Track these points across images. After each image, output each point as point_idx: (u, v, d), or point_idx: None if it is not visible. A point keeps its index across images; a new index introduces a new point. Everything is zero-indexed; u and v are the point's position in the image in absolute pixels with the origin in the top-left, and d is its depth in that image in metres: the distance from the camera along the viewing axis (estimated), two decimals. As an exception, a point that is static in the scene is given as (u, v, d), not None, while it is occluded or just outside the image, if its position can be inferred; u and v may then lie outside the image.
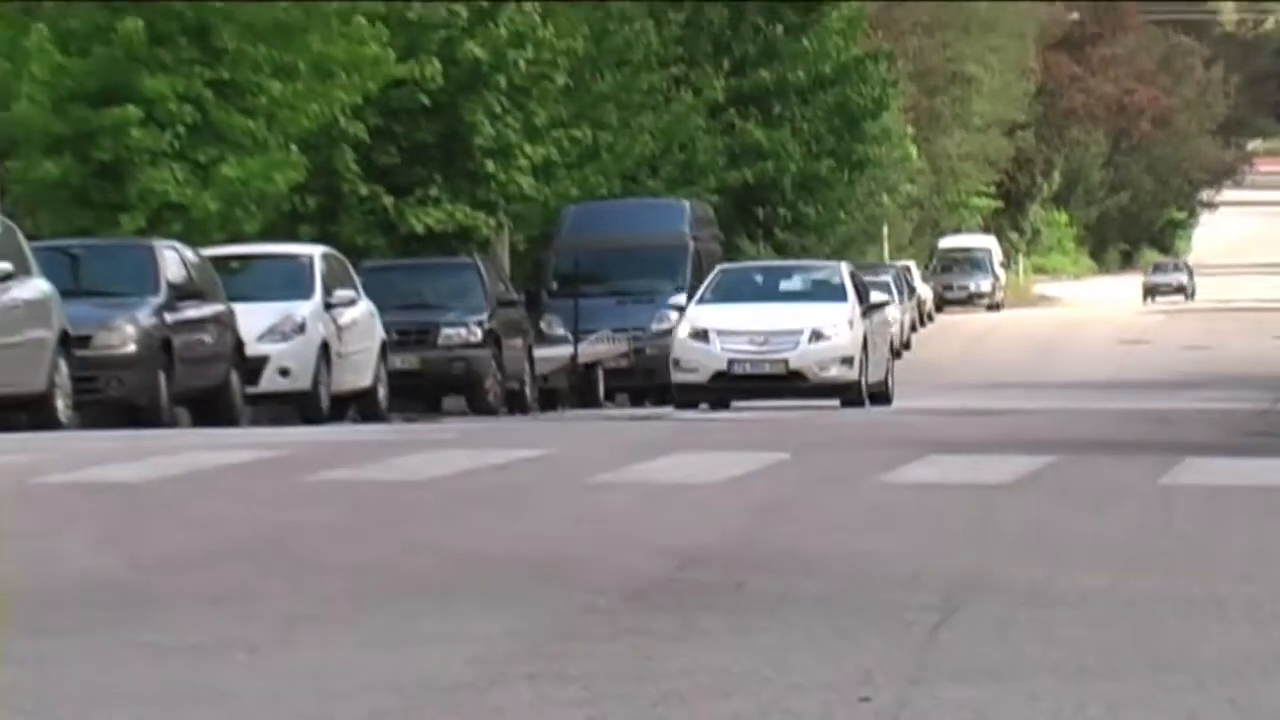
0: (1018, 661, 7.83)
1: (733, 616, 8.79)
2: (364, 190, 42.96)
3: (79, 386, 25.91)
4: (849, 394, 35.81)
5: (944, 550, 11.12)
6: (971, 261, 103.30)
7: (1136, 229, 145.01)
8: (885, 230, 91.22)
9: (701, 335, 35.95)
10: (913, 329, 77.19)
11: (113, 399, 27.36)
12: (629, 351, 42.24)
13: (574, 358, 41.08)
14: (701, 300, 37.70)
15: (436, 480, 14.64)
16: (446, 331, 36.51)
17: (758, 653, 7.98)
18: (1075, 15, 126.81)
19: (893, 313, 67.06)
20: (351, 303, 32.97)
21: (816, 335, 35.93)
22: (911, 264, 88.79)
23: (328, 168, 40.74)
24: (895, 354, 68.08)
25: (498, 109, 45.02)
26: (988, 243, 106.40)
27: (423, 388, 36.03)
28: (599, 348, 41.87)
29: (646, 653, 7.98)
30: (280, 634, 8.56)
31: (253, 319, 30.30)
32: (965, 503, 13.62)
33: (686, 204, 48.17)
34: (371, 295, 33.96)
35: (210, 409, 28.81)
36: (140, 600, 9.64)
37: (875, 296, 39.98)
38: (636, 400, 42.02)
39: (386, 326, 34.04)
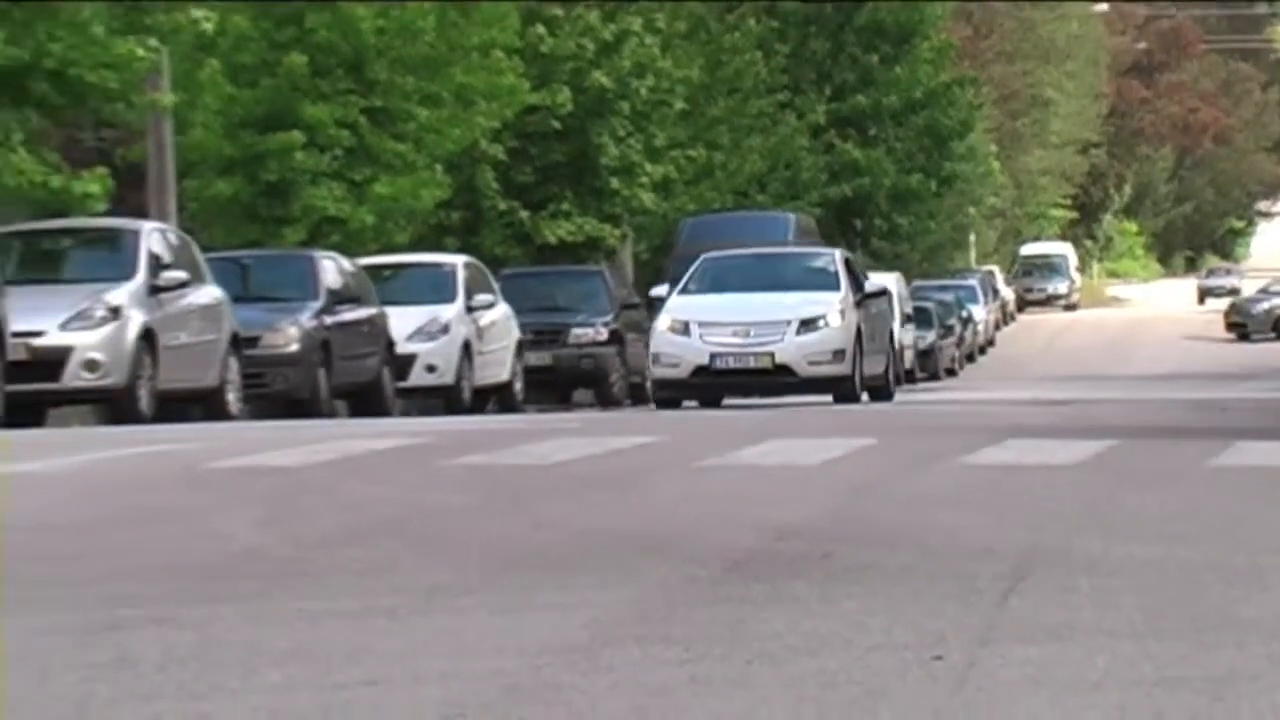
0: (1076, 624, 7.78)
1: (820, 585, 8.75)
2: (502, 206, 43.03)
3: (247, 382, 26.20)
4: (841, 389, 30.61)
5: (1015, 525, 11.05)
6: (1050, 266, 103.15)
7: (1200, 237, 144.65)
8: (971, 238, 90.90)
9: (682, 328, 30.49)
10: (996, 327, 76.89)
11: (277, 393, 27.58)
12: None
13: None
14: (685, 290, 31.93)
15: (562, 465, 14.64)
16: (576, 331, 36.54)
17: (842, 617, 7.95)
18: (1144, 44, 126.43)
19: (979, 312, 67.20)
20: (490, 306, 33.09)
21: (805, 326, 30.52)
22: (995, 269, 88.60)
23: (470, 186, 40.80)
24: (980, 349, 68.41)
25: (622, 132, 45.05)
26: (1064, 250, 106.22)
27: (554, 382, 36.06)
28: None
29: (742, 617, 7.95)
30: (420, 602, 8.57)
31: (403, 321, 30.49)
32: (1036, 482, 13.53)
33: (792, 216, 48.09)
34: (509, 300, 34.09)
35: (365, 402, 28.97)
36: (297, 572, 9.66)
37: (871, 284, 33.94)
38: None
39: (522, 327, 34.14)
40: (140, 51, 28.93)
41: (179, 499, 12.84)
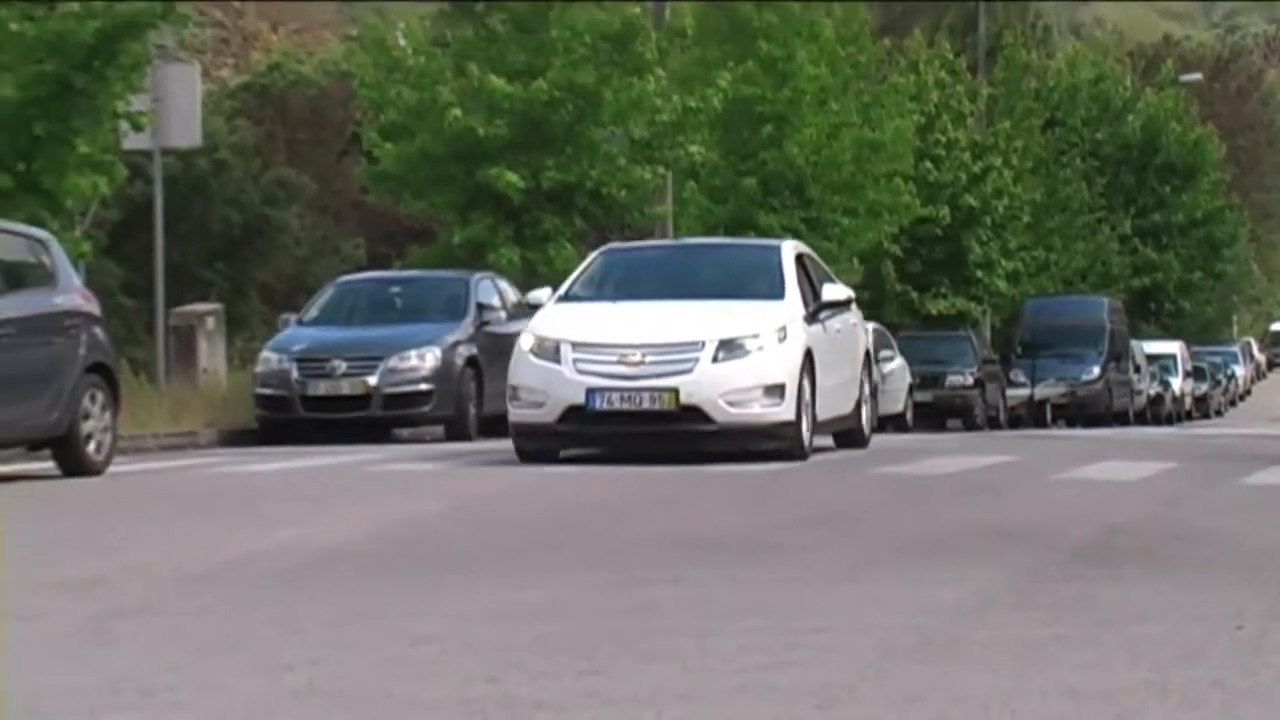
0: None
1: (1144, 570, 8.47)
2: (899, 287, 42.88)
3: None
4: (777, 442, 14.88)
5: (1285, 530, 10.72)
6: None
7: None
8: (1234, 318, 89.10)
9: (551, 351, 14.87)
10: (1252, 381, 75.55)
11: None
12: (1067, 393, 41.58)
13: (1031, 397, 40.55)
14: (567, 295, 16.09)
15: (948, 475, 14.39)
16: (950, 379, 36.34)
17: (1161, 595, 7.67)
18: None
19: (1239, 370, 66.21)
20: (891, 359, 32.95)
21: (727, 350, 14.74)
22: (1251, 340, 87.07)
23: (877, 273, 40.62)
24: (1240, 397, 67.46)
25: (984, 238, 44.86)
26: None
27: (934, 414, 35.70)
28: (1048, 390, 41.28)
29: (1086, 592, 7.72)
30: (847, 573, 8.41)
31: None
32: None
33: (1105, 300, 47.40)
34: (904, 354, 34.01)
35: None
36: (755, 549, 9.55)
37: (833, 291, 16.51)
38: (1070, 424, 41.21)
39: (912, 374, 33.94)
40: (648, 175, 29.19)
41: (673, 491, 12.75)
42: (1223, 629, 6.77)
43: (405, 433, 22.16)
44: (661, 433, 14.64)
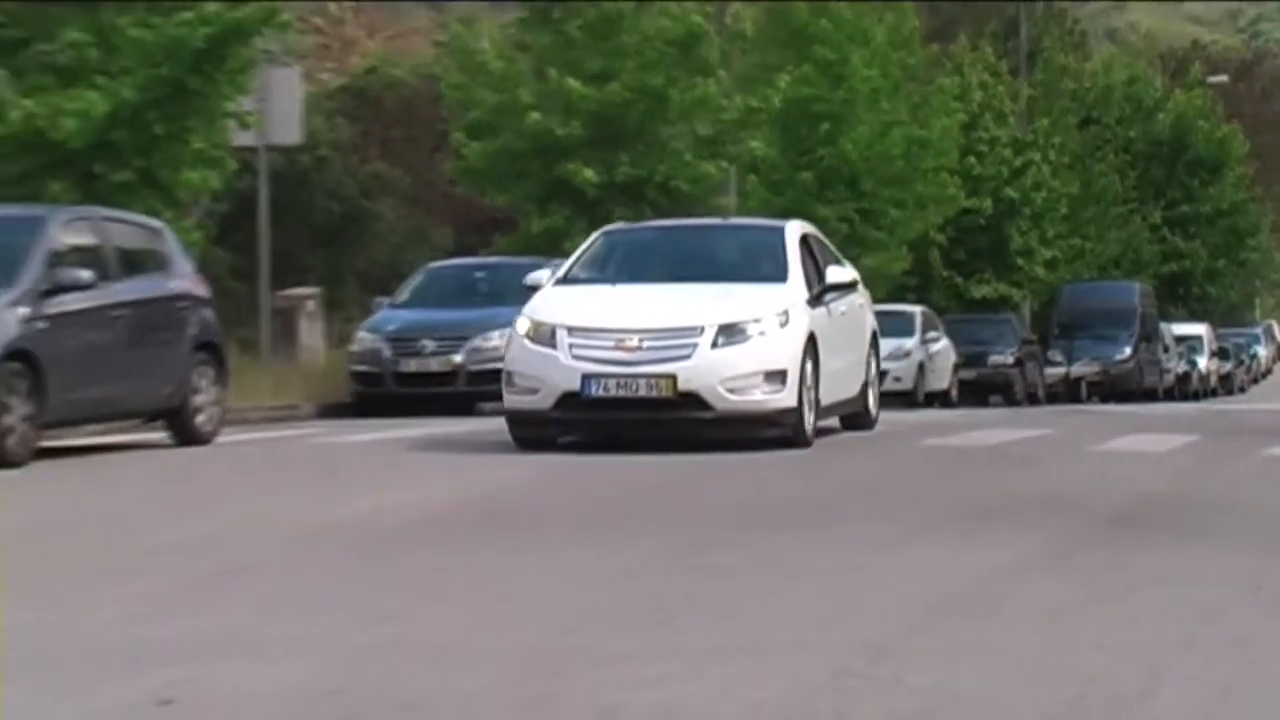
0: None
1: (1173, 535, 8.43)
2: (945, 273, 42.71)
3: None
4: (781, 429, 13.34)
5: (1303, 499, 10.64)
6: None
7: None
8: (1257, 301, 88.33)
9: (547, 336, 13.40)
10: (1273, 361, 74.78)
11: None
12: (1101, 371, 41.32)
13: (1068, 375, 40.33)
14: (566, 277, 14.55)
15: (989, 447, 14.31)
16: (993, 358, 36.09)
17: (1189, 559, 7.65)
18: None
19: (1261, 351, 65.71)
20: (938, 340, 32.79)
21: (727, 335, 13.25)
22: (1274, 323, 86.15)
23: (924, 260, 40.44)
24: (1262, 375, 66.94)
25: (1024, 227, 44.69)
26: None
27: (977, 390, 35.45)
28: (1083, 369, 41.04)
29: (1118, 556, 7.70)
30: (906, 536, 8.43)
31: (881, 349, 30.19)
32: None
33: (1136, 285, 47.03)
34: (949, 335, 33.84)
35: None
36: (817, 514, 9.53)
37: (837, 274, 14.89)
38: (1104, 400, 40.98)
39: (957, 353, 33.79)
40: (713, 170, 29.18)
41: (730, 467, 12.64)
42: (1243, 590, 6.75)
43: (488, 407, 22.21)
44: (658, 420, 13.01)
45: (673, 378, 12.94)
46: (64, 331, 13.27)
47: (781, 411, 13.21)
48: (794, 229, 14.99)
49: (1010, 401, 35.49)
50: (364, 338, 21.79)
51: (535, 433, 13.31)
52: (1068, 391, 40.10)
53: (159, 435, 14.97)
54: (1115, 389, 40.32)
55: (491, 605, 6.43)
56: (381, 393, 21.12)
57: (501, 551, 7.83)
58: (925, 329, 32.48)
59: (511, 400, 13.42)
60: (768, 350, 13.23)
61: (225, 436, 15.12)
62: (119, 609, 6.32)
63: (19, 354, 12.84)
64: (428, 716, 4.76)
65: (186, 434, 14.70)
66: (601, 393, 12.98)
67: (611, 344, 13.08)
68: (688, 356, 13.00)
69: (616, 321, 13.22)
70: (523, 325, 13.52)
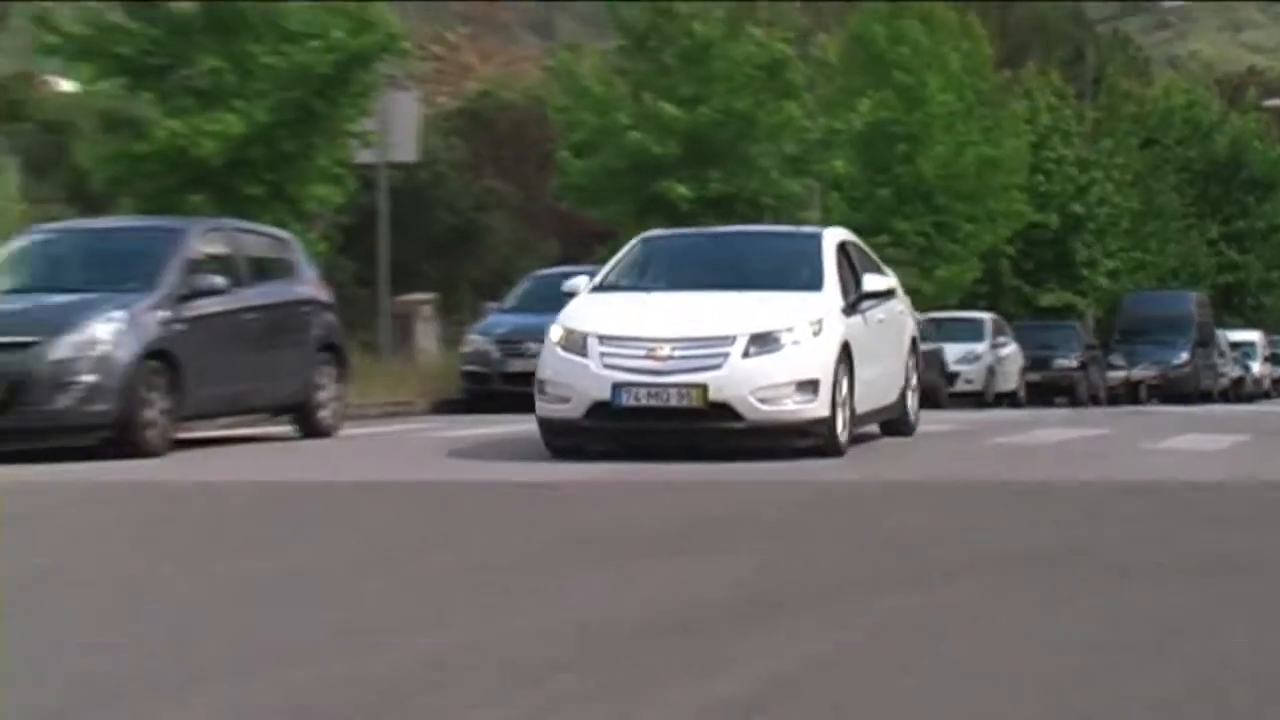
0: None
1: (1231, 517, 8.43)
2: (1014, 283, 42.44)
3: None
4: (813, 440, 12.15)
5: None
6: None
7: None
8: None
9: (579, 344, 12.26)
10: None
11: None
12: (1159, 375, 40.91)
13: (1128, 378, 39.95)
14: (603, 285, 13.47)
15: (1056, 444, 14.17)
16: (1058, 361, 35.83)
17: (1248, 539, 7.63)
18: None
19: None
20: (1006, 345, 32.61)
21: (759, 344, 12.04)
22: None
23: (994, 270, 40.22)
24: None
25: (1088, 240, 44.35)
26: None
27: (1043, 392, 35.17)
28: (1143, 372, 40.64)
29: (1167, 531, 7.69)
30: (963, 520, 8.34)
31: (952, 351, 30.11)
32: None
33: (1193, 294, 46.53)
34: (1018, 340, 33.70)
35: (929, 402, 28.43)
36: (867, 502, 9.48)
37: (874, 281, 13.57)
38: (1163, 402, 40.49)
39: (1024, 357, 33.58)
40: (798, 187, 29.14)
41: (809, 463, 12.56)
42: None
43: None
44: (689, 430, 11.92)
45: (703, 387, 11.86)
46: (200, 333, 13.43)
47: (813, 421, 12.08)
48: (832, 236, 13.86)
49: (1074, 403, 35.18)
50: (474, 340, 21.89)
51: (567, 441, 12.31)
52: (1128, 394, 39.70)
53: (284, 429, 15.07)
54: (1173, 391, 39.91)
55: (606, 590, 6.38)
56: (489, 390, 21.19)
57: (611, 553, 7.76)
58: (995, 334, 32.30)
59: (543, 408, 12.37)
60: (800, 360, 12.10)
61: (346, 430, 15.20)
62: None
63: (159, 353, 13.00)
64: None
65: (310, 427, 14.85)
66: (632, 402, 11.92)
67: (643, 353, 12.01)
68: (719, 366, 11.91)
69: (648, 330, 12.15)
70: (556, 333, 12.47)
